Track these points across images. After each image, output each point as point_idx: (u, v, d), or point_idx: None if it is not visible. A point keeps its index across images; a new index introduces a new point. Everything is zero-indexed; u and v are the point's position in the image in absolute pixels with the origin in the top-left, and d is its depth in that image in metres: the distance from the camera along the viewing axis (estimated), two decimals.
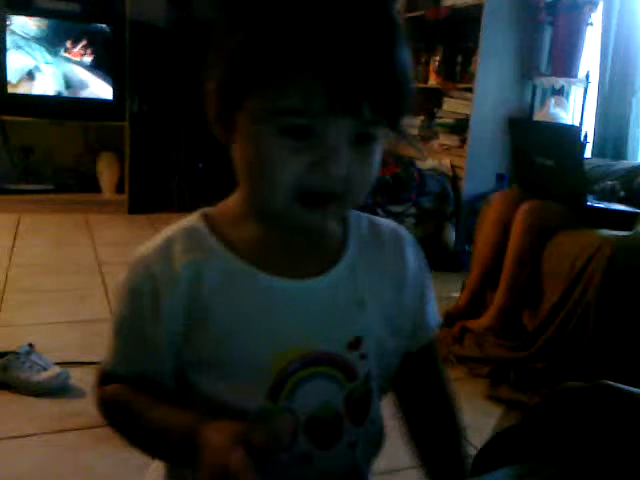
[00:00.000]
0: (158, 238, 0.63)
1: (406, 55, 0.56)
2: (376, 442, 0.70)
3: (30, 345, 1.85)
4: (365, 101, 0.53)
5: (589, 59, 3.15)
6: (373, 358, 0.65)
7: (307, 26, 0.52)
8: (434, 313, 0.74)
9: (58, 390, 1.75)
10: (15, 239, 3.25)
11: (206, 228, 0.63)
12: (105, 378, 0.65)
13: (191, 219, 0.64)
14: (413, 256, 0.70)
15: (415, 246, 0.71)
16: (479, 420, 1.73)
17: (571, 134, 2.44)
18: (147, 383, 0.62)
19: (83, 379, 1.80)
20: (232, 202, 0.65)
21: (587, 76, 3.10)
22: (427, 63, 3.71)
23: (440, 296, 2.99)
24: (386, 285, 0.67)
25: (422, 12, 3.64)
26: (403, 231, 0.71)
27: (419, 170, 3.35)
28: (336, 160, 0.54)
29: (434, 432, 0.75)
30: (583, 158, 2.51)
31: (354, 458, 0.66)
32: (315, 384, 0.62)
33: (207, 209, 0.66)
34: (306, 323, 0.62)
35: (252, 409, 0.60)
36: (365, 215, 0.70)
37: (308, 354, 0.61)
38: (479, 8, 3.15)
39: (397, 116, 0.57)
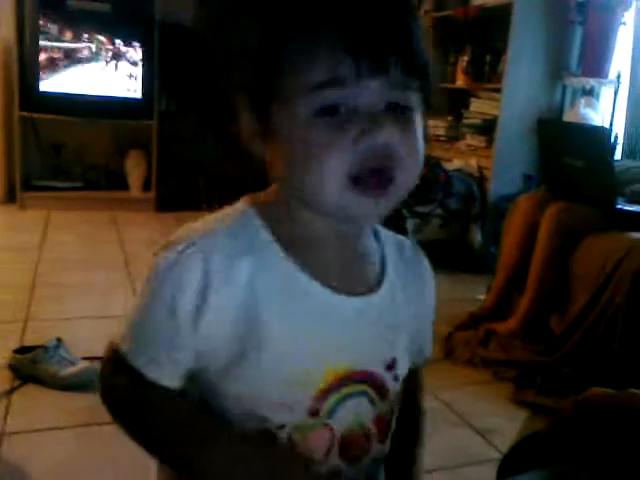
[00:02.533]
0: (213, 226, 0.59)
1: (420, 23, 0.57)
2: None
3: (58, 339, 1.88)
4: (392, 58, 0.53)
5: (620, 59, 3.10)
6: (402, 380, 0.66)
7: None
8: (431, 338, 0.74)
9: (85, 384, 1.77)
10: (45, 235, 3.31)
11: (263, 225, 0.60)
12: (116, 361, 0.60)
13: (245, 210, 0.61)
14: (430, 278, 0.71)
15: (430, 268, 0.72)
16: (504, 424, 1.72)
17: (601, 135, 2.41)
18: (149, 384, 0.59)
19: None
20: (274, 199, 0.62)
21: (618, 77, 3.05)
22: (455, 63, 3.69)
23: (465, 298, 2.97)
24: (412, 307, 0.68)
25: (451, 12, 3.62)
26: (420, 250, 0.72)
27: (445, 171, 3.33)
28: (377, 127, 0.53)
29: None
30: (613, 160, 2.48)
31: (375, 473, 0.67)
32: (354, 401, 0.61)
33: (254, 200, 0.62)
34: (354, 341, 0.61)
35: (290, 423, 0.59)
36: (387, 231, 0.69)
37: (354, 372, 0.61)
38: (508, 7, 3.12)
39: (425, 78, 0.57)
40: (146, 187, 4.10)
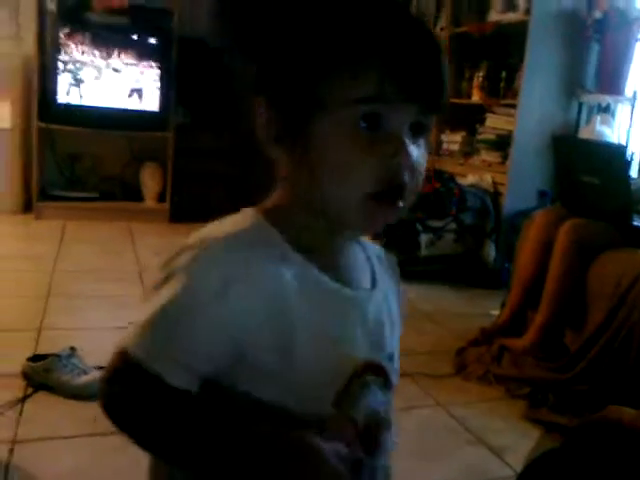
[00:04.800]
0: (225, 233, 0.60)
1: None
2: None
3: (72, 348, 1.89)
4: (429, 88, 0.59)
5: (637, 76, 3.09)
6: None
7: (376, 22, 0.58)
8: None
9: (97, 394, 1.77)
10: (60, 245, 3.34)
11: (274, 229, 0.61)
12: (126, 367, 0.60)
13: (254, 216, 0.62)
14: (400, 288, 0.75)
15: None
16: (517, 441, 1.70)
17: (617, 152, 2.40)
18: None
19: None
20: (283, 205, 0.63)
21: (634, 94, 3.04)
22: (470, 79, 3.70)
23: (479, 313, 2.94)
24: (397, 308, 0.72)
25: (467, 28, 3.63)
26: (394, 259, 0.76)
27: (459, 186, 3.33)
28: (407, 152, 0.58)
29: None
30: (629, 177, 2.46)
31: (387, 464, 0.68)
32: (371, 392, 0.64)
33: (261, 207, 0.64)
34: (366, 333, 0.65)
35: (318, 416, 0.60)
36: (365, 240, 0.73)
37: (370, 364, 0.64)
38: (524, 24, 3.13)
39: (442, 107, 0.61)
40: (161, 198, 4.13)
